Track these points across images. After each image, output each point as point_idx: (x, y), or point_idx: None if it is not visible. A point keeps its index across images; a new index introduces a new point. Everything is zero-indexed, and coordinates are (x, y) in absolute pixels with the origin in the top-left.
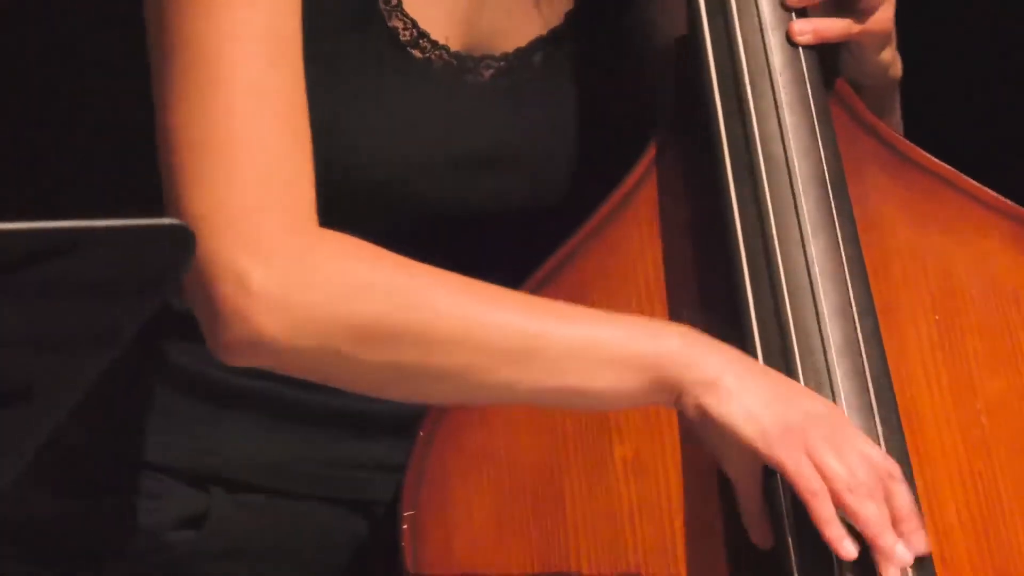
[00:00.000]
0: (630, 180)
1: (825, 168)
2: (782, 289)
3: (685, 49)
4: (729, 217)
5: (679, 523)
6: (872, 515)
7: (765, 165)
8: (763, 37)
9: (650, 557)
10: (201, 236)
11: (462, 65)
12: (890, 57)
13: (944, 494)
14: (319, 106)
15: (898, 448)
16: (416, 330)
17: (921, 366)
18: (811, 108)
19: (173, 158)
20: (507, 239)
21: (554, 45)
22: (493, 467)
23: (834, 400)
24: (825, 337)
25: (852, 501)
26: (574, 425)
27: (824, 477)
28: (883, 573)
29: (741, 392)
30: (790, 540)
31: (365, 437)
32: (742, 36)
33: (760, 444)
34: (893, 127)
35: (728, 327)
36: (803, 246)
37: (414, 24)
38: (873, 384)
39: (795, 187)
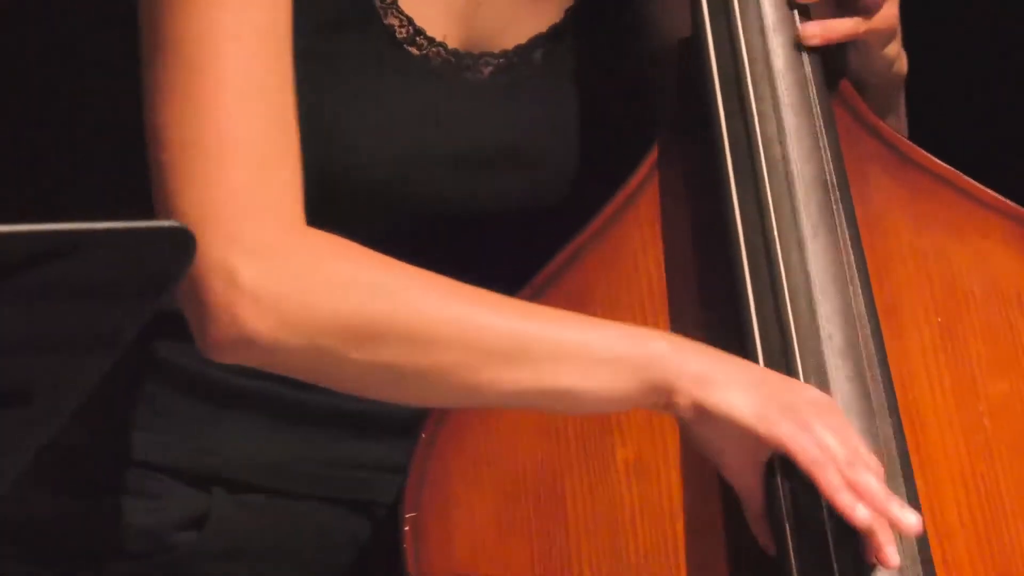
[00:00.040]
0: (633, 181)
1: (827, 170)
2: (783, 290)
3: (688, 50)
4: (730, 218)
5: (680, 525)
6: (874, 485)
7: (767, 167)
8: (765, 39)
9: (651, 559)
10: None
11: (461, 62)
12: (895, 53)
13: (946, 496)
14: (317, 105)
15: (900, 450)
16: (401, 328)
17: (923, 368)
18: (814, 110)
19: (163, 156)
20: (507, 238)
21: (554, 42)
22: (495, 469)
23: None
24: (826, 338)
25: (852, 473)
26: (576, 427)
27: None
28: (883, 553)
29: (733, 381)
30: (790, 542)
31: (365, 437)
32: (744, 37)
33: (759, 426)
34: (899, 125)
35: (729, 328)
36: (804, 247)
37: (410, 21)
38: (874, 386)
39: (796, 189)
